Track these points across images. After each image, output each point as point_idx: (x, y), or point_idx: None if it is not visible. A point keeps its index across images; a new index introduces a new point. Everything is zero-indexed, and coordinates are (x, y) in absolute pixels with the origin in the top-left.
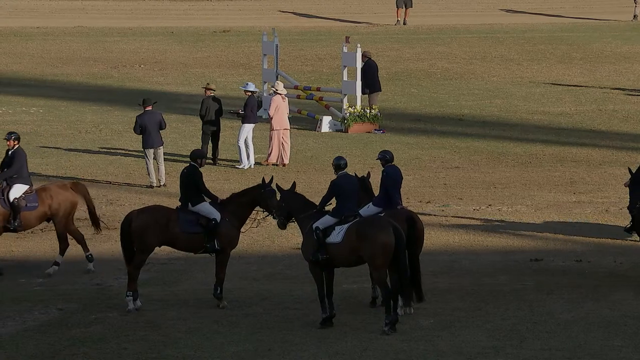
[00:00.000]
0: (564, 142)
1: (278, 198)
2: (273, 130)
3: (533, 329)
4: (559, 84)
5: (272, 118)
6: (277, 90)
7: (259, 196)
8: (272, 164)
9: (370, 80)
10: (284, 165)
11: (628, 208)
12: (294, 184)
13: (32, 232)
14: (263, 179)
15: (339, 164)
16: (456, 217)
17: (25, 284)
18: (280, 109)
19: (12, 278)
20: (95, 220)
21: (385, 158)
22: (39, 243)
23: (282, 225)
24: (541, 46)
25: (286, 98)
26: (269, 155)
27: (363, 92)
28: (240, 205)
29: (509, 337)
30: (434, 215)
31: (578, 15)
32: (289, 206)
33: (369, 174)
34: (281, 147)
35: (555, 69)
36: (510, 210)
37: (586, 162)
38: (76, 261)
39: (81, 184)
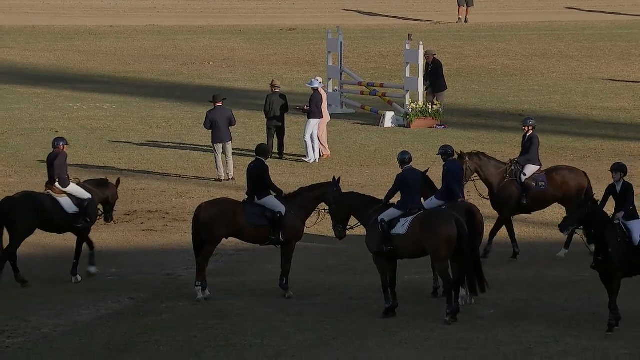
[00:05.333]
0: (623, 137)
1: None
2: (323, 123)
3: (592, 320)
4: (618, 80)
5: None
6: (321, 83)
7: (330, 194)
8: (328, 156)
9: (437, 79)
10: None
11: None
12: (333, 178)
13: (106, 225)
14: (334, 178)
15: (404, 159)
16: None
17: (99, 274)
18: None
19: (87, 268)
20: None
21: (448, 153)
22: (112, 234)
23: (341, 234)
24: (600, 43)
25: None
26: (324, 148)
27: (434, 90)
28: (308, 199)
29: (568, 327)
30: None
31: (637, 12)
32: (349, 205)
33: (427, 169)
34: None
35: (614, 65)
36: None
37: None
38: (147, 252)
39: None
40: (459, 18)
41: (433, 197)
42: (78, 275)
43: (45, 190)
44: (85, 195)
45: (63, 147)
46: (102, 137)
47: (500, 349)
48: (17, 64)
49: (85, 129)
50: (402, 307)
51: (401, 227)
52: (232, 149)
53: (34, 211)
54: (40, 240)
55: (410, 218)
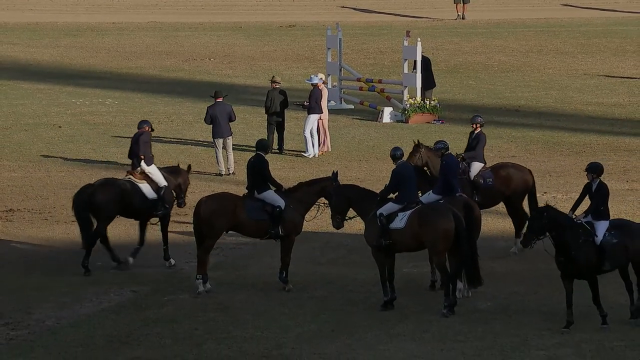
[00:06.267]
0: (618, 132)
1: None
2: (322, 119)
3: (587, 312)
4: (613, 76)
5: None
6: (322, 79)
7: (330, 189)
8: (326, 152)
9: (426, 76)
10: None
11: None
12: (333, 173)
13: None
14: (333, 172)
15: (396, 154)
16: None
17: (101, 267)
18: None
19: (89, 262)
20: None
21: (446, 147)
22: (114, 228)
23: (339, 225)
24: (595, 39)
25: None
26: (323, 144)
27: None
28: (307, 194)
29: (564, 319)
30: None
31: (632, 9)
32: (348, 197)
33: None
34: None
35: (609, 61)
36: (565, 197)
37: (639, 151)
38: (148, 245)
39: None
40: (458, 15)
41: (431, 191)
42: (172, 260)
43: (127, 175)
44: (162, 182)
45: (148, 128)
46: (104, 132)
47: (497, 341)
48: (20, 60)
49: (87, 125)
50: (401, 300)
51: (399, 221)
52: (233, 144)
53: (114, 197)
54: (43, 234)
55: (408, 212)
